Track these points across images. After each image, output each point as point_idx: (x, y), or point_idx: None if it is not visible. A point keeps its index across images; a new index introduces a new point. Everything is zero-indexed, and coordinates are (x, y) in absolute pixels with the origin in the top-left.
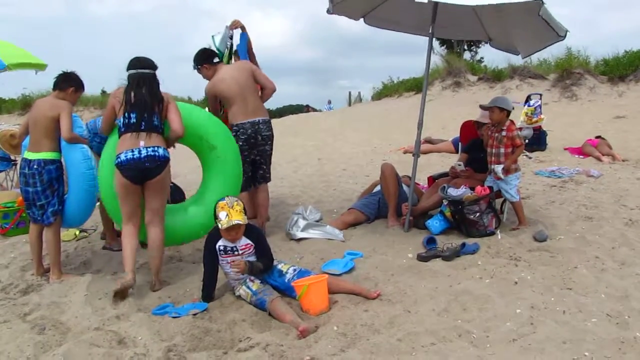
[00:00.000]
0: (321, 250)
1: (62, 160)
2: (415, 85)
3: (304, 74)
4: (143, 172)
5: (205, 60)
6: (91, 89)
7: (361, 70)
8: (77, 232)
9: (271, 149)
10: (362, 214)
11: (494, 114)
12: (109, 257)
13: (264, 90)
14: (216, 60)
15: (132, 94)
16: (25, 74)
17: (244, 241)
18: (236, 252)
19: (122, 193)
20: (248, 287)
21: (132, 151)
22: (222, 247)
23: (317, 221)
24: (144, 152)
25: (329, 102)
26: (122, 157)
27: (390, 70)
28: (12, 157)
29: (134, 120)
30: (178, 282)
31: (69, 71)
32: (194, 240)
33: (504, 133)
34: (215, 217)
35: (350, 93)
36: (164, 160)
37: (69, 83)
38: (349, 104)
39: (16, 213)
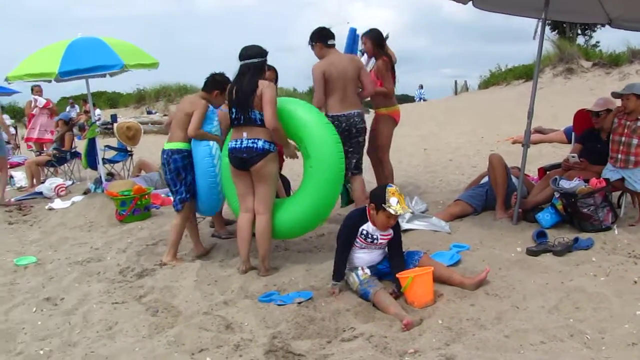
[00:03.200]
0: (427, 242)
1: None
2: (525, 73)
3: (408, 63)
4: (242, 161)
5: (320, 38)
6: (201, 81)
7: (467, 58)
8: None
9: (364, 141)
10: (469, 206)
11: (630, 101)
12: (218, 244)
13: (364, 90)
14: (331, 42)
15: (234, 88)
16: (139, 71)
17: (387, 231)
18: (375, 241)
19: (233, 177)
20: (357, 275)
21: (236, 141)
22: (364, 232)
23: (423, 212)
24: (244, 143)
25: (420, 87)
26: (229, 145)
27: (498, 58)
28: (129, 148)
29: (234, 115)
30: (284, 270)
31: (217, 73)
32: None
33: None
34: (383, 200)
35: (456, 82)
36: (262, 152)
37: (214, 86)
38: (455, 93)
39: (132, 201)
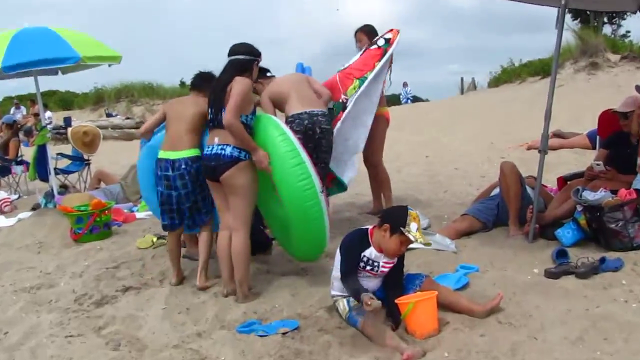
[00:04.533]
0: (429, 263)
1: None
2: (542, 69)
3: (407, 59)
4: (211, 170)
5: (259, 76)
6: (169, 79)
7: (475, 52)
8: (154, 239)
9: (329, 146)
10: (477, 221)
11: None
12: (190, 266)
13: (321, 97)
14: (270, 74)
15: (213, 87)
16: (98, 67)
17: (392, 260)
18: (375, 269)
19: (210, 190)
20: (347, 302)
21: (208, 147)
22: (366, 258)
23: (425, 229)
24: (214, 150)
25: (405, 86)
26: (205, 152)
27: (510, 52)
28: (85, 157)
29: (210, 117)
30: (266, 296)
31: (205, 72)
32: None
33: None
34: (403, 223)
35: (462, 79)
36: (230, 160)
37: (207, 85)
38: (462, 92)
39: (90, 217)
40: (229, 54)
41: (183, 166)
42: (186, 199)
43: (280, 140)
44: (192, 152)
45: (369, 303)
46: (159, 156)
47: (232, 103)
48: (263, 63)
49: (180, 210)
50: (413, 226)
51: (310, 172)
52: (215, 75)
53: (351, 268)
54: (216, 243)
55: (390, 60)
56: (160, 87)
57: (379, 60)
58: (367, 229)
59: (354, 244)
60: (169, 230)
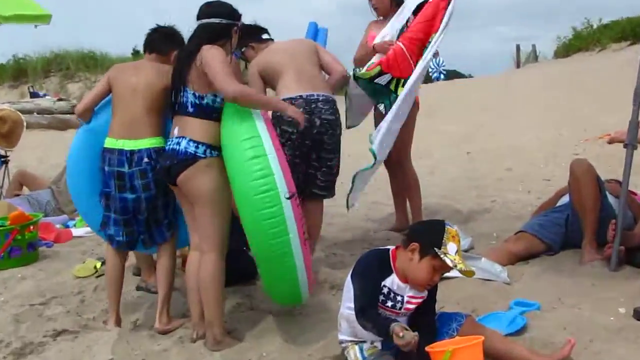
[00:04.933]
0: (472, 298)
1: None
2: (631, 31)
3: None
4: (167, 172)
5: (249, 38)
6: (118, 49)
7: (535, 11)
8: (98, 265)
9: (335, 144)
10: (539, 241)
11: None
12: (146, 302)
13: (331, 74)
14: (266, 36)
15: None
16: (19, 29)
17: (421, 294)
18: (398, 305)
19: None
20: (360, 351)
21: (168, 142)
22: (386, 289)
23: (466, 251)
24: (170, 144)
25: (435, 56)
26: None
27: (586, 10)
28: (2, 152)
29: (172, 99)
30: (250, 341)
31: (165, 26)
32: None
33: None
34: (438, 242)
35: (518, 47)
36: (185, 158)
37: (171, 45)
38: (517, 65)
39: (8, 235)
40: (199, 17)
41: (145, 160)
42: (146, 206)
43: (248, 147)
44: (156, 142)
45: (401, 335)
46: (107, 145)
47: (218, 71)
48: (260, 21)
49: (137, 221)
50: (451, 247)
51: (281, 203)
52: (179, 33)
53: (370, 301)
54: (182, 269)
55: None
56: (106, 57)
57: (445, 11)
58: (389, 249)
59: (372, 269)
60: (120, 248)
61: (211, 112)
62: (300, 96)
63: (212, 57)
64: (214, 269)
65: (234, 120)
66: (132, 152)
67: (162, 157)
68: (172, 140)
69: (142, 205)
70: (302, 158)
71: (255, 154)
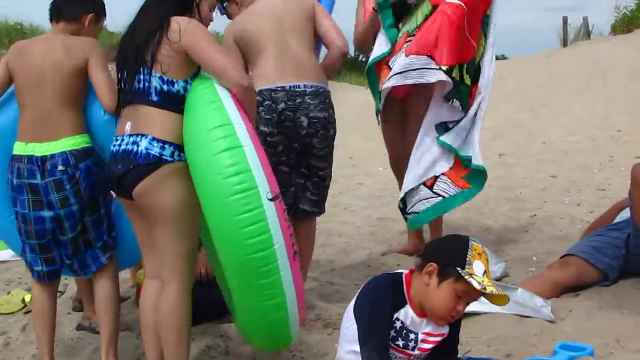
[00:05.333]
0: (506, 339)
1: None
2: None
3: None
4: (116, 178)
5: None
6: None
7: None
8: (27, 298)
9: (327, 147)
10: (592, 267)
11: None
12: (89, 345)
13: (329, 49)
14: None
15: (126, 37)
16: None
17: (440, 330)
18: (411, 344)
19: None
20: None
21: (116, 139)
22: (399, 324)
23: (499, 279)
24: (123, 143)
25: None
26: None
27: None
28: None
29: (121, 85)
30: None
31: None
32: None
33: None
34: (461, 261)
35: (565, 20)
36: (145, 162)
37: (83, 7)
38: (563, 44)
39: None
40: None
41: (60, 167)
42: (69, 224)
43: (219, 137)
44: (75, 142)
45: None
46: (15, 152)
47: (220, 57)
48: None
49: (62, 245)
50: (478, 266)
51: (262, 206)
52: None
53: (380, 338)
54: (136, 302)
55: None
56: (37, 30)
57: None
58: (402, 273)
59: (383, 297)
60: (43, 280)
61: (180, 103)
62: (282, 87)
63: (203, 37)
64: (177, 303)
65: (197, 104)
66: (43, 158)
67: (111, 159)
68: (122, 139)
69: (64, 225)
70: (290, 167)
71: (228, 145)
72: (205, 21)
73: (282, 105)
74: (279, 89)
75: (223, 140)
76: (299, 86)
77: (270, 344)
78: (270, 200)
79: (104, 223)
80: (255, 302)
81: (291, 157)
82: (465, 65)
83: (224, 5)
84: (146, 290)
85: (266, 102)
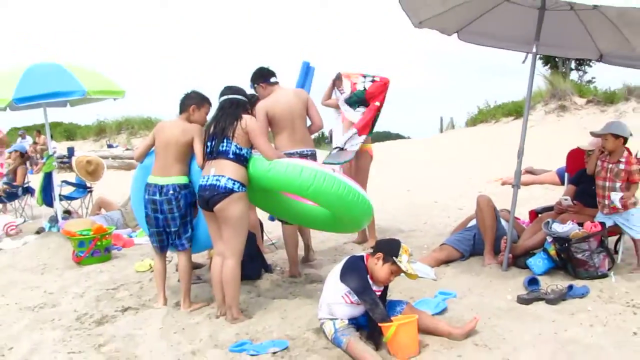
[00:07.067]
0: (410, 289)
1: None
2: (515, 110)
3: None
4: (205, 201)
5: (262, 79)
6: (168, 114)
7: (452, 93)
8: (152, 263)
9: None
10: (455, 251)
11: (608, 142)
12: (195, 290)
13: (312, 125)
14: (273, 80)
15: (213, 122)
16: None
17: (380, 288)
18: None
19: (205, 219)
20: (333, 324)
21: (203, 178)
22: None
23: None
24: (209, 180)
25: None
26: (200, 182)
27: (485, 93)
28: (88, 185)
29: (208, 149)
30: (257, 318)
31: (191, 92)
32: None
33: (621, 166)
34: (396, 253)
35: (441, 119)
36: (224, 192)
37: (189, 102)
38: (441, 131)
39: (92, 241)
40: (224, 94)
41: (171, 192)
42: (172, 223)
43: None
44: (179, 179)
45: None
46: (148, 181)
47: (264, 142)
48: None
49: (167, 233)
50: (404, 258)
51: (335, 176)
52: (190, 94)
53: (371, 290)
54: (208, 267)
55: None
56: (159, 121)
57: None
58: (363, 255)
59: (362, 266)
60: (159, 252)
61: (245, 160)
62: (296, 151)
63: (257, 129)
64: (234, 270)
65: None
66: (162, 186)
67: (201, 189)
68: (209, 177)
69: (169, 223)
70: None
71: (302, 170)
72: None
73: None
74: (295, 152)
75: (301, 169)
76: (304, 150)
77: (368, 213)
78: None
79: (188, 225)
80: (351, 203)
81: None
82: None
83: (255, 86)
84: (215, 261)
85: None
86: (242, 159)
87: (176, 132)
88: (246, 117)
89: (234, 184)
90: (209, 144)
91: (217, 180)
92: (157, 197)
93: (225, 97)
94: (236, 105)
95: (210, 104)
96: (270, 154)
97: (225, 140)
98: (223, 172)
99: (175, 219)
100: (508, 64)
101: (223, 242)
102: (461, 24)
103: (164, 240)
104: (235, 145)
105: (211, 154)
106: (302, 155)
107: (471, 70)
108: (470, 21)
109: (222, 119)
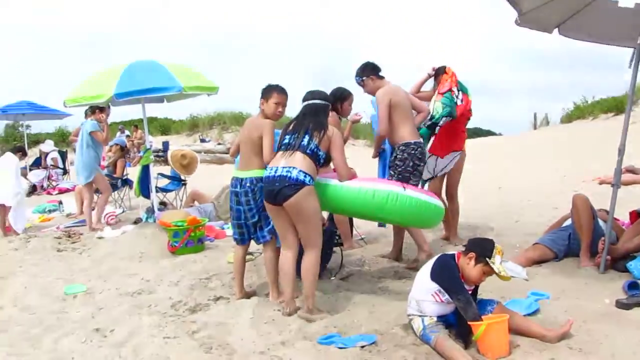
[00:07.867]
0: (501, 289)
1: None
2: (615, 106)
3: (478, 95)
4: (273, 193)
5: (373, 71)
6: (257, 109)
7: (548, 88)
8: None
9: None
10: (549, 250)
11: None
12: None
13: (418, 114)
14: (382, 74)
15: (295, 121)
16: (197, 95)
17: (471, 287)
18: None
19: (269, 213)
20: (422, 320)
21: (270, 169)
22: None
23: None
24: (278, 172)
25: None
26: (264, 175)
27: (583, 89)
28: (182, 177)
29: (287, 141)
30: (345, 311)
31: (268, 85)
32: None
33: None
34: (489, 254)
35: (535, 115)
36: (295, 183)
37: (261, 96)
38: (534, 127)
39: (185, 232)
40: (307, 99)
41: (248, 184)
42: (251, 215)
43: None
44: (258, 173)
45: None
46: (233, 175)
47: (342, 160)
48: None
49: (247, 226)
50: (497, 259)
51: (407, 195)
52: (265, 86)
53: (464, 288)
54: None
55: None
56: (249, 116)
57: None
58: (454, 254)
59: (453, 265)
60: (239, 244)
61: (319, 159)
62: (418, 142)
63: (340, 144)
64: (314, 261)
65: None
66: (242, 179)
67: (268, 181)
68: (277, 169)
69: (248, 215)
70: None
71: (372, 193)
72: (344, 113)
73: (418, 149)
74: (418, 142)
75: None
76: (419, 141)
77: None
78: (404, 189)
79: (269, 218)
80: (422, 216)
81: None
82: None
83: (363, 79)
84: (284, 254)
85: (419, 149)
86: (316, 157)
87: (252, 128)
88: (333, 129)
89: (305, 176)
90: (287, 137)
91: (287, 171)
92: (238, 189)
93: (306, 102)
94: (320, 110)
95: (278, 92)
96: (344, 172)
97: (307, 136)
98: (294, 163)
99: (253, 210)
100: (607, 58)
101: (301, 238)
102: (563, 16)
103: (244, 233)
104: (316, 145)
105: (288, 146)
106: (419, 145)
107: (566, 65)
108: (572, 14)
109: (307, 120)
